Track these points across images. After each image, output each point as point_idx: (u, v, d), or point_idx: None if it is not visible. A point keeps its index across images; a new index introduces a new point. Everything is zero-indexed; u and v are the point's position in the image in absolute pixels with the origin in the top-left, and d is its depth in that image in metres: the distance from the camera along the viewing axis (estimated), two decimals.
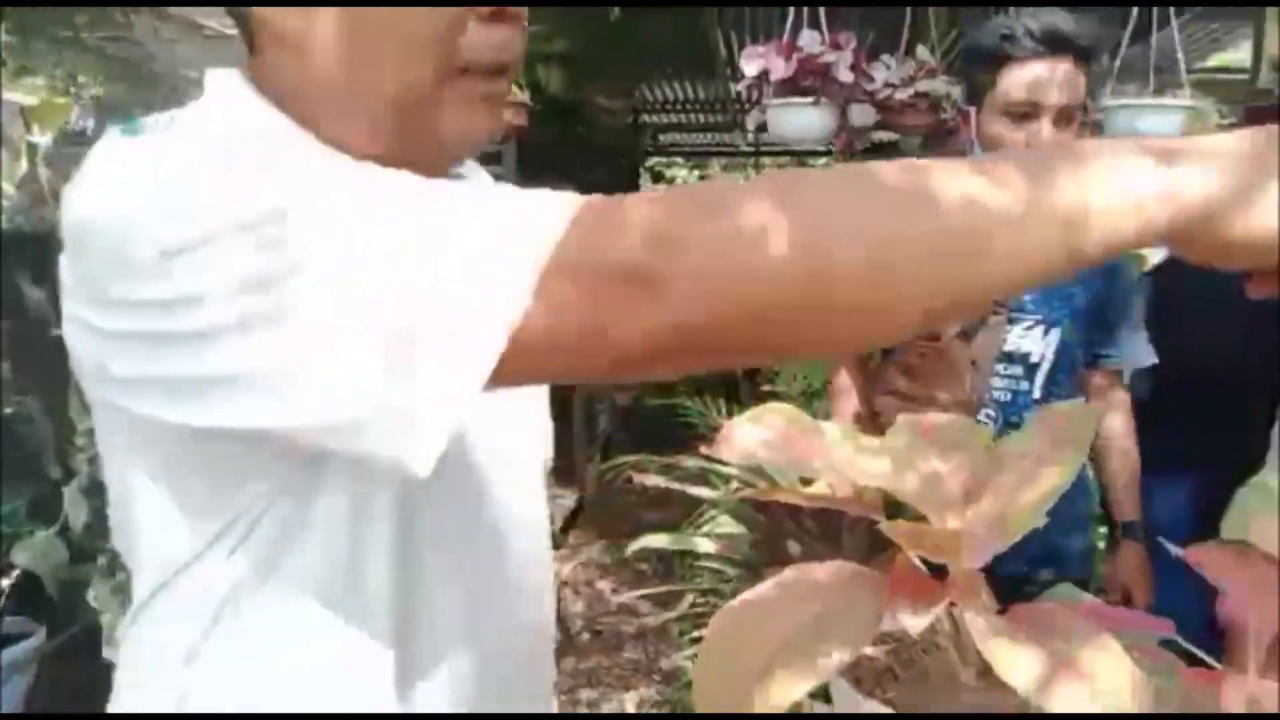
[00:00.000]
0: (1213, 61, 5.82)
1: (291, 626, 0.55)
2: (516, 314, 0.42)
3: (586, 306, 0.43)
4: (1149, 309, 1.69)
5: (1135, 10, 2.38)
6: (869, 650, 0.77)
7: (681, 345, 0.44)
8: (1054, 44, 1.44)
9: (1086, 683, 0.56)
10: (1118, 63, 2.30)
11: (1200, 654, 0.74)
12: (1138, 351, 1.64)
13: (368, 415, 0.44)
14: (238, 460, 0.51)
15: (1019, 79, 1.45)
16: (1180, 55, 2.31)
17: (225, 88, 0.56)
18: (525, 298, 0.42)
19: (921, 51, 2.31)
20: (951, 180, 0.43)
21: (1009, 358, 1.50)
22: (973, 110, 1.51)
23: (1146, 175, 0.44)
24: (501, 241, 0.43)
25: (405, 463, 0.44)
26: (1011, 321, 1.48)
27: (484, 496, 0.65)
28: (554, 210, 0.44)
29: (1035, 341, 1.52)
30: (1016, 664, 0.58)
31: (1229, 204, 0.44)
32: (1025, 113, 1.46)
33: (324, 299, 0.43)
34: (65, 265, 0.50)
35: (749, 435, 0.77)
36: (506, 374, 0.43)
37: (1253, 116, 2.47)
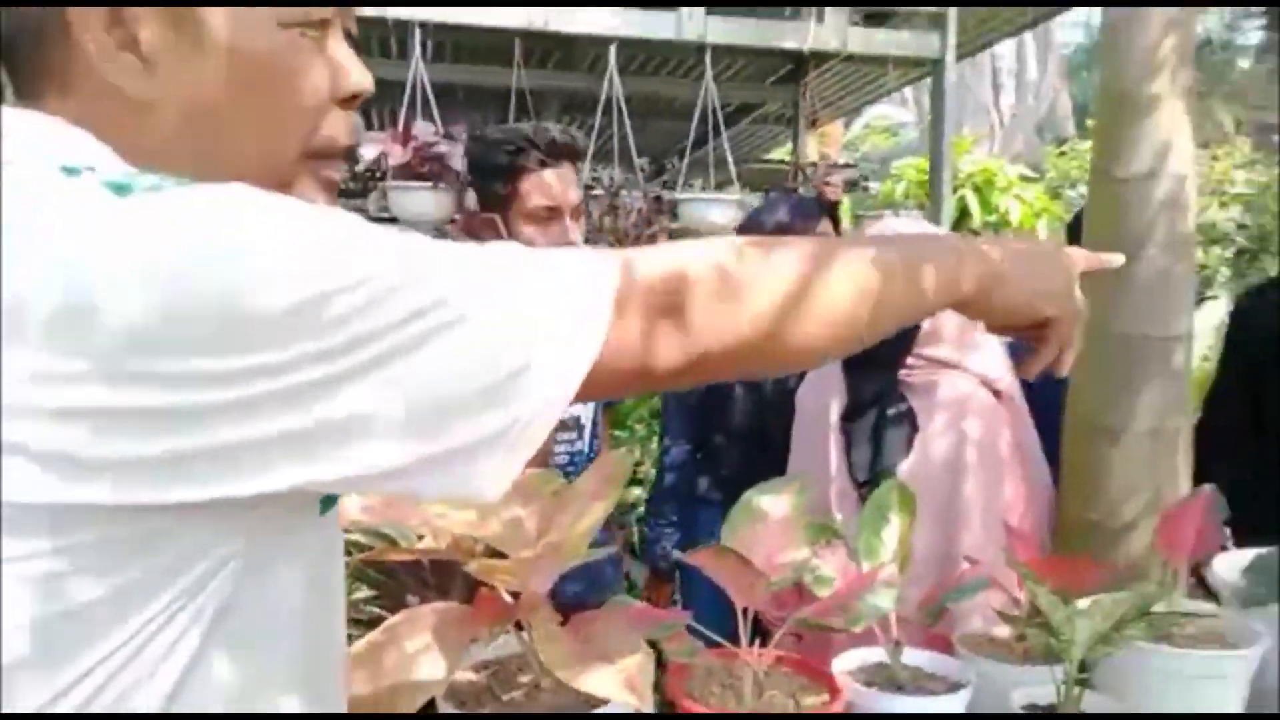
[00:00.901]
0: (776, 154, 7.02)
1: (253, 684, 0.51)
2: (599, 342, 0.50)
3: (638, 336, 0.52)
4: None
5: (695, 122, 2.91)
6: (471, 675, 0.92)
7: (701, 366, 0.55)
8: (555, 152, 1.58)
9: (613, 666, 0.76)
10: (685, 163, 2.77)
11: (714, 636, 0.99)
12: None
13: (458, 447, 0.47)
14: (195, 535, 0.46)
15: (537, 187, 1.57)
16: (730, 158, 2.86)
17: (74, 137, 0.51)
18: (605, 329, 0.50)
19: None
20: (879, 256, 0.61)
21: (564, 424, 1.70)
22: (497, 217, 1.59)
23: (964, 257, 0.66)
24: (580, 284, 0.51)
25: (479, 491, 0.49)
26: None
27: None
28: (607, 261, 0.53)
29: (580, 405, 1.73)
30: (563, 660, 0.77)
31: (1005, 280, 0.67)
32: (548, 216, 1.58)
33: (450, 340, 0.46)
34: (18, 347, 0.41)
35: (353, 504, 0.89)
36: (580, 394, 0.50)
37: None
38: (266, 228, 0.44)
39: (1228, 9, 16.03)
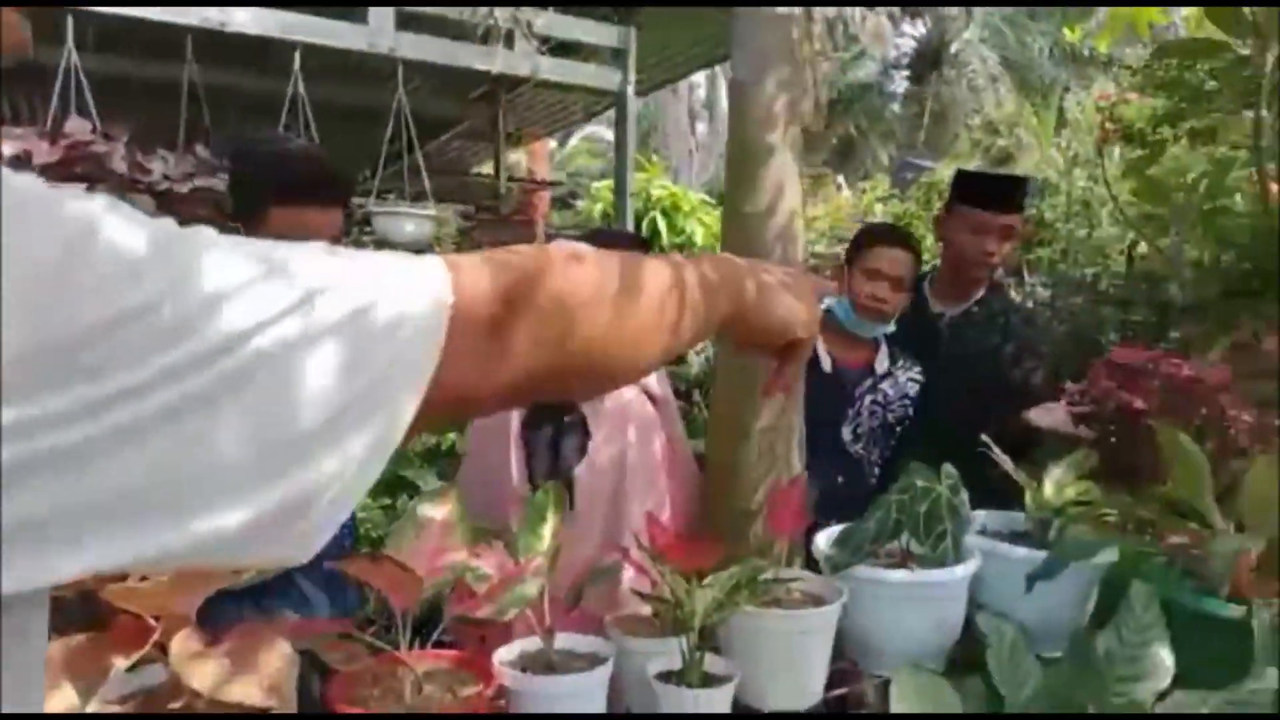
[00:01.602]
0: (487, 169, 7.09)
1: None
2: (428, 374, 0.43)
3: (471, 358, 0.46)
4: None
5: (388, 133, 2.91)
6: (116, 707, 0.89)
7: (528, 388, 0.50)
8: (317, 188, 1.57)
9: (256, 674, 0.79)
10: (379, 175, 2.77)
11: (376, 642, 1.04)
12: None
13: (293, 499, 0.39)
14: None
15: (296, 221, 1.53)
16: (425, 172, 2.90)
17: None
18: (439, 351, 0.44)
19: (201, 150, 2.45)
20: (686, 276, 0.61)
21: None
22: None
23: (730, 279, 0.67)
24: (405, 306, 0.43)
25: (294, 555, 0.41)
26: None
27: None
28: (435, 271, 0.46)
29: None
30: (207, 677, 0.78)
31: (763, 303, 0.69)
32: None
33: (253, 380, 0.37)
34: None
35: None
36: (412, 430, 0.43)
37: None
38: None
39: (882, 58, 18.54)
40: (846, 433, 2.27)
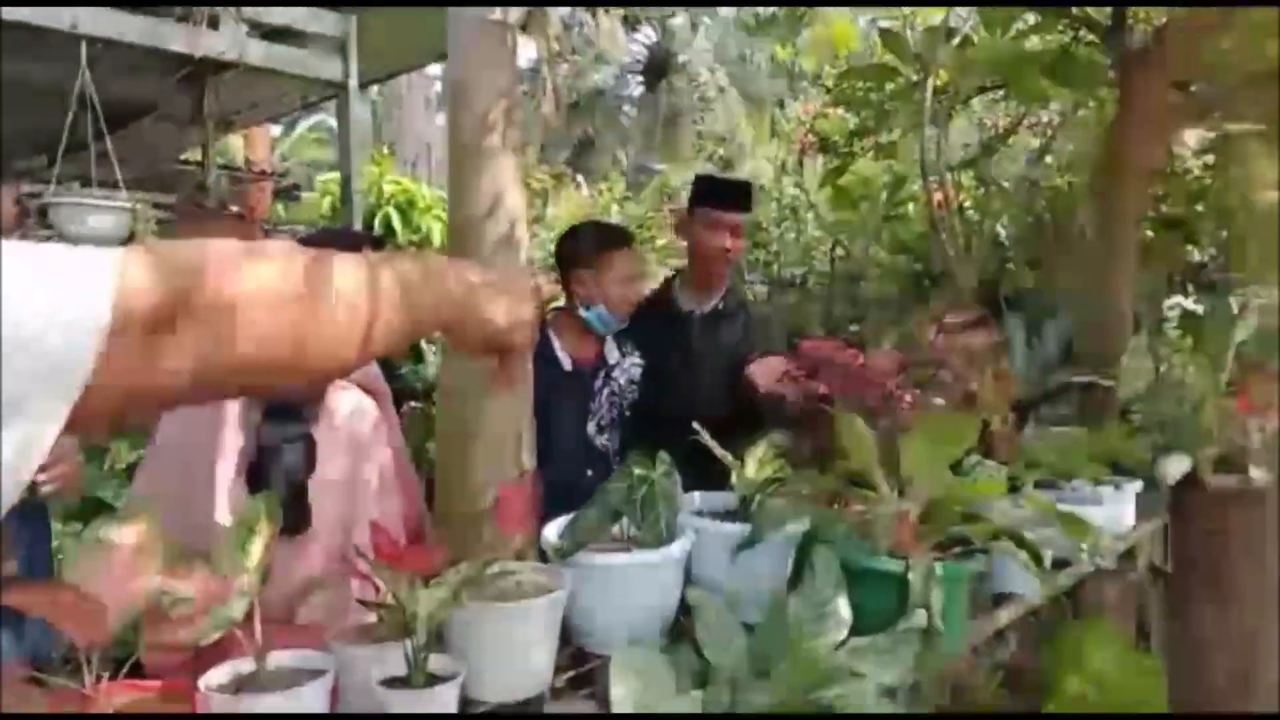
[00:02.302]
0: (196, 155, 6.50)
1: None
2: (81, 376, 0.42)
3: (134, 357, 0.45)
4: None
5: (70, 117, 2.59)
6: None
7: (212, 382, 0.50)
8: None
9: None
10: (58, 167, 2.45)
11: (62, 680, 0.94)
12: None
13: None
14: None
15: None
16: (115, 162, 2.61)
17: None
18: (88, 361, 0.43)
19: None
20: (396, 275, 0.61)
21: None
22: None
23: (430, 283, 0.66)
24: (56, 308, 0.42)
25: None
26: None
27: None
28: (99, 270, 0.45)
29: None
30: None
31: (483, 309, 0.70)
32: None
33: None
34: None
35: None
36: (75, 421, 0.43)
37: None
38: None
39: (610, 71, 19.17)
40: (591, 427, 2.36)
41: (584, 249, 2.37)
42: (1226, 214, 3.77)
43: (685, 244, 2.67)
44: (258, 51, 3.25)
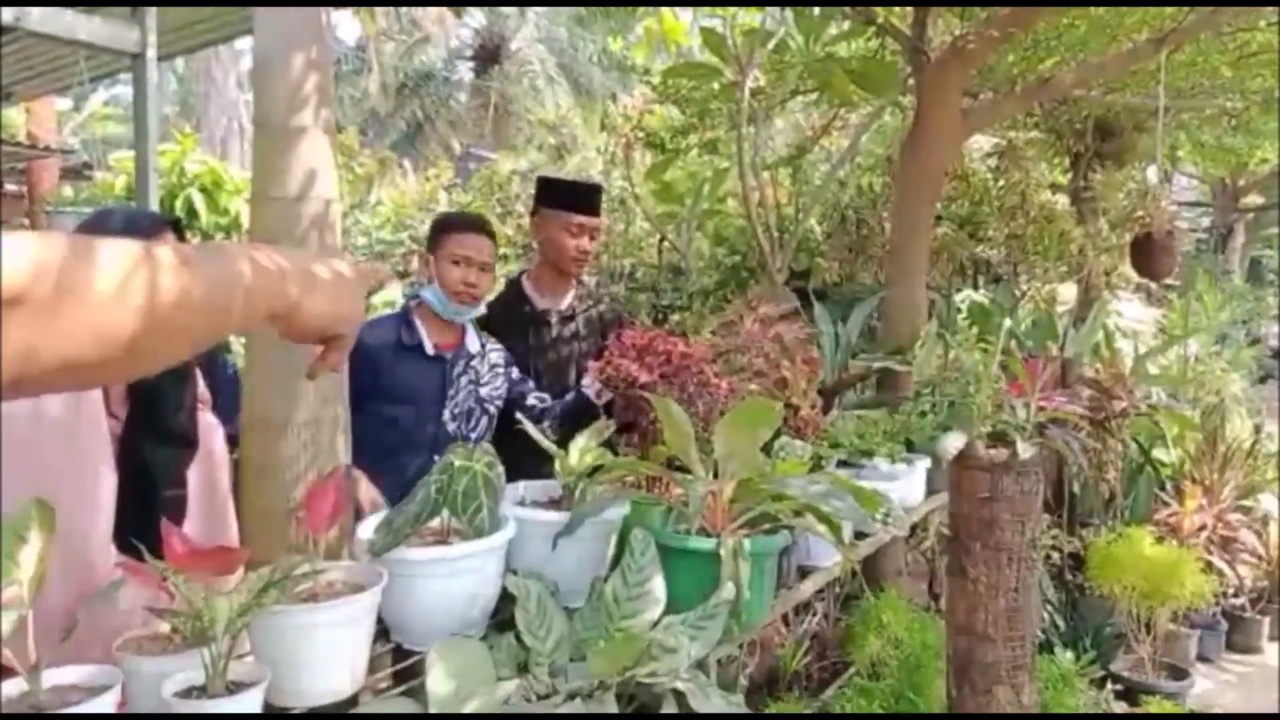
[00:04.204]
0: None
1: None
2: None
3: None
4: None
5: None
6: None
7: (27, 380, 0.48)
8: None
9: None
10: None
11: None
12: None
13: None
14: None
15: None
16: None
17: None
18: None
19: None
20: (210, 269, 0.60)
21: None
22: None
23: (274, 275, 0.65)
24: None
25: None
26: None
27: None
28: None
29: None
30: None
31: (309, 302, 0.69)
32: None
33: None
34: None
35: None
36: None
37: None
38: None
39: (439, 53, 18.70)
40: (446, 413, 2.36)
41: (432, 232, 2.45)
42: (1008, 213, 4.15)
43: (536, 243, 2.71)
44: (38, 16, 2.92)
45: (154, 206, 3.35)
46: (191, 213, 4.48)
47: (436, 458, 2.28)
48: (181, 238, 1.67)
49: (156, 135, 3.29)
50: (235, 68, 16.96)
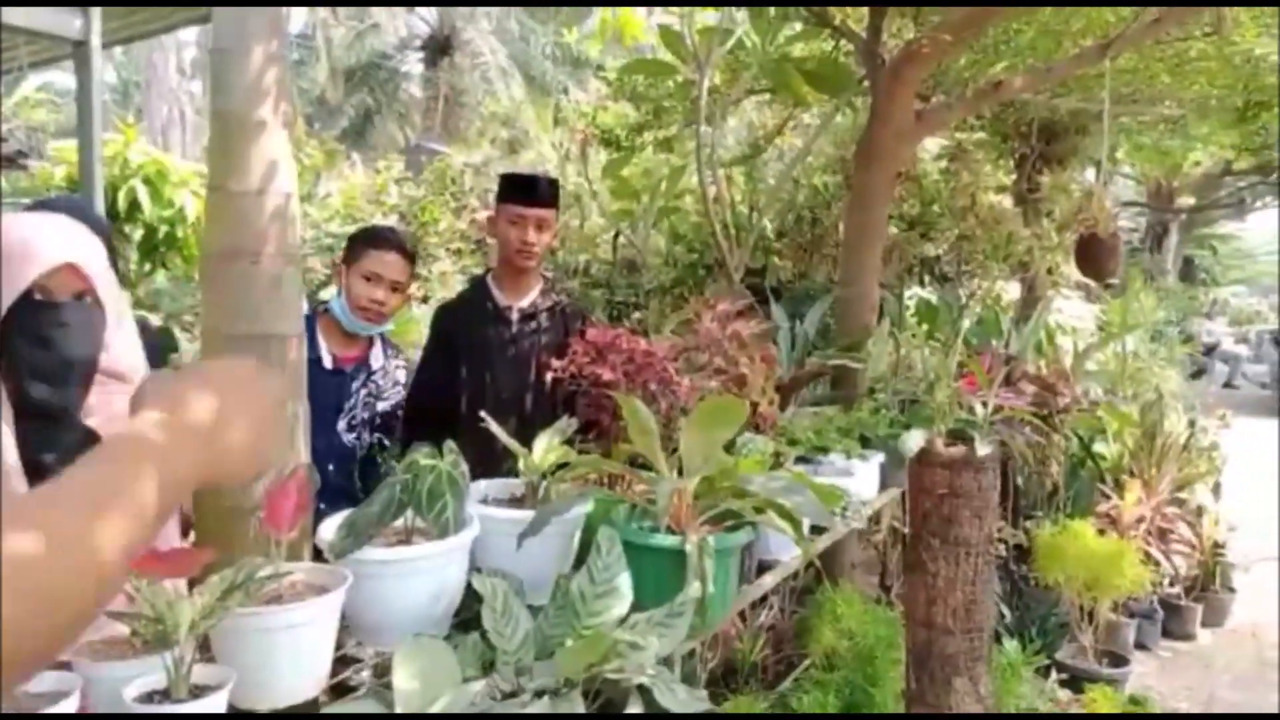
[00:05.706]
0: None
1: None
2: None
3: None
4: None
5: None
6: None
7: None
8: None
9: None
10: None
11: None
12: None
13: None
14: None
15: None
16: None
17: None
18: None
19: None
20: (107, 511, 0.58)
21: None
22: None
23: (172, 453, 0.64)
24: None
25: None
26: None
27: None
28: None
29: None
30: None
31: (222, 461, 0.68)
32: None
33: None
34: None
35: None
36: None
37: None
38: None
39: (390, 41, 18.42)
40: (342, 424, 2.37)
41: (350, 243, 2.45)
42: (958, 214, 4.24)
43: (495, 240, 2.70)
44: None
45: (99, 198, 3.25)
46: (135, 205, 4.36)
47: (331, 467, 2.31)
48: (111, 249, 1.62)
49: (101, 125, 3.19)
50: (176, 55, 16.51)
